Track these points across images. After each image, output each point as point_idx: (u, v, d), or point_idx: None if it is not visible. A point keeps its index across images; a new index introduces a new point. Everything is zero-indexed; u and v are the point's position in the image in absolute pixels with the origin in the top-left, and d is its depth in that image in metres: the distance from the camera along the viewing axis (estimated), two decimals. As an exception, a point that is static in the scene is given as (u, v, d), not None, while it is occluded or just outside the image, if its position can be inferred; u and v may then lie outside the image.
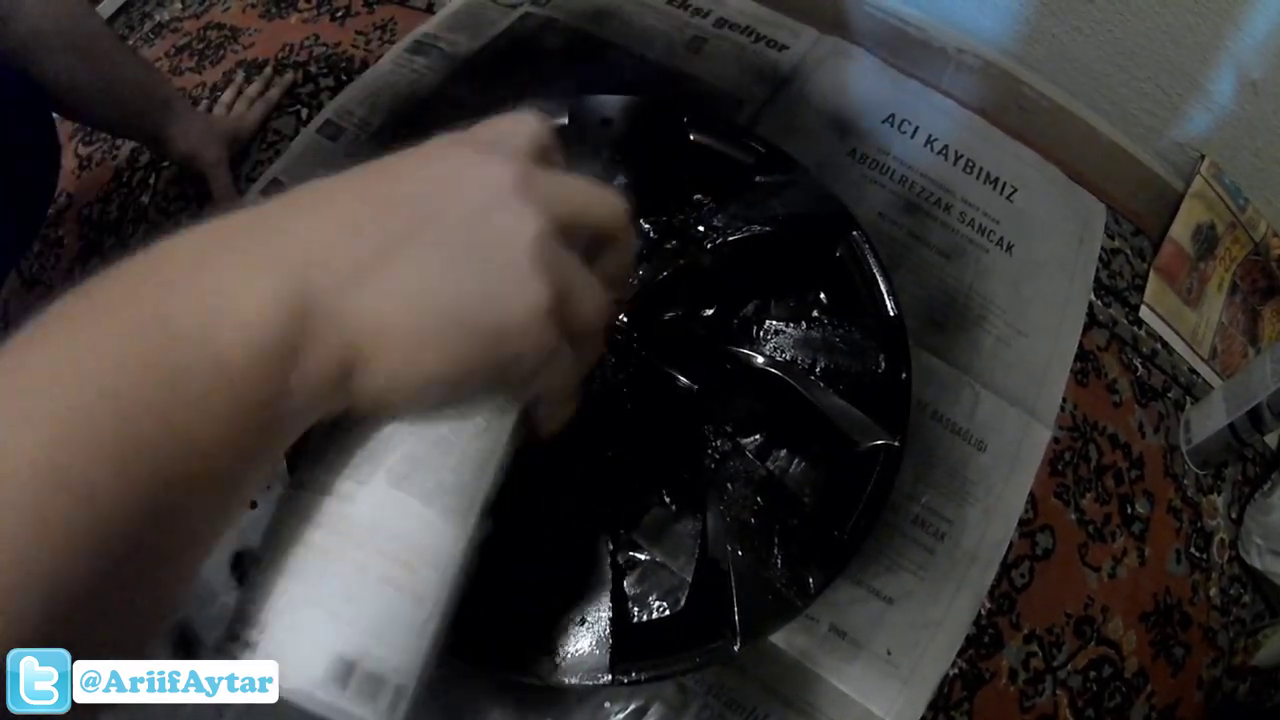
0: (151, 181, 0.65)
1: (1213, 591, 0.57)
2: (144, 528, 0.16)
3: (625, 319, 0.46)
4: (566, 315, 0.22)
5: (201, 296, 0.18)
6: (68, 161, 0.70)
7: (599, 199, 0.25)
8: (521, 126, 0.25)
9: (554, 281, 0.22)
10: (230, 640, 0.21)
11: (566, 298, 0.22)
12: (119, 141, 0.69)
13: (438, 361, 0.20)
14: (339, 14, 0.72)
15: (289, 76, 0.66)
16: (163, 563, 0.17)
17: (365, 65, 0.67)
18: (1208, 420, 0.57)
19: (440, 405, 0.23)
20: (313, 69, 0.68)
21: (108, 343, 0.16)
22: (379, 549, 0.22)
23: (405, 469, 0.22)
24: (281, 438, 0.19)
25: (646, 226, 0.50)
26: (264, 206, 0.20)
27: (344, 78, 0.66)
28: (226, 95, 0.66)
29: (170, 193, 0.64)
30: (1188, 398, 0.61)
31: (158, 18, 0.78)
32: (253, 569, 0.22)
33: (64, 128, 0.69)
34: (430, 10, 0.70)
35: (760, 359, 0.46)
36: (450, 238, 0.21)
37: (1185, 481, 0.58)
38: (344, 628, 0.21)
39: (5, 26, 0.45)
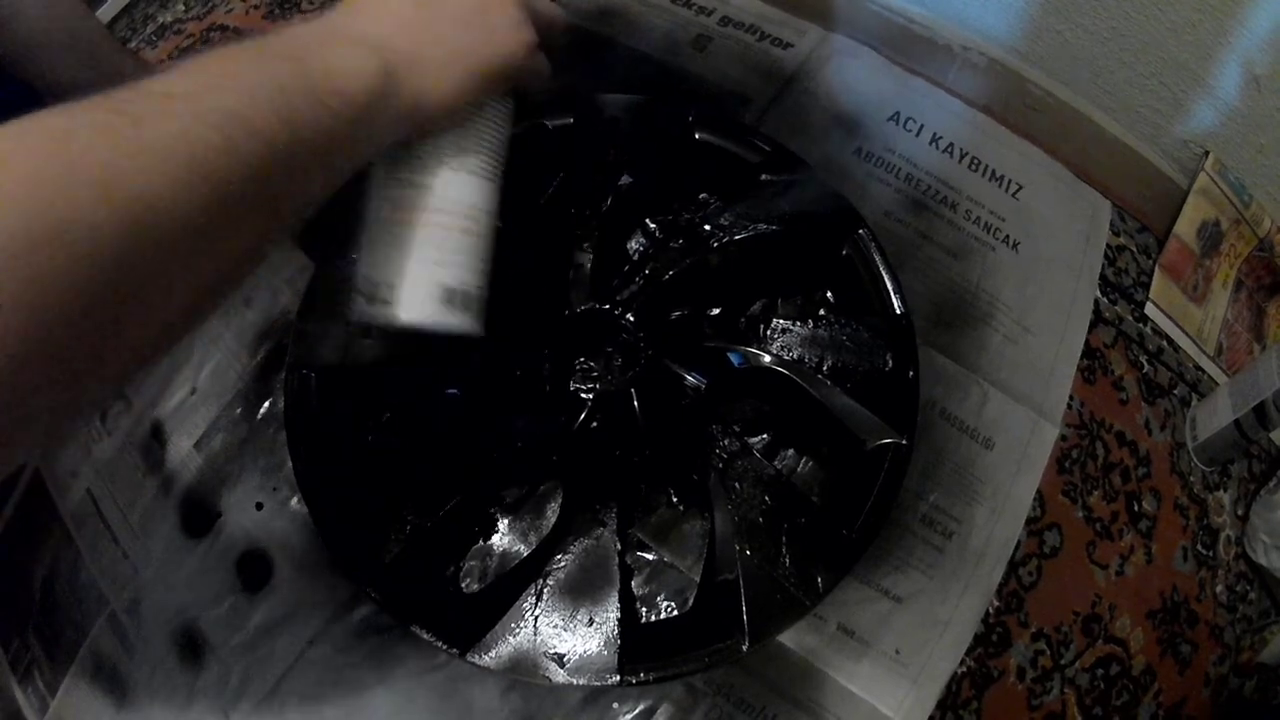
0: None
1: (1219, 589, 0.57)
2: (266, 184, 0.24)
3: (632, 318, 0.46)
4: (536, 29, 0.33)
5: (328, 60, 0.27)
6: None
7: None
8: None
9: (528, 22, 0.33)
10: (372, 302, 0.34)
11: (534, 22, 0.33)
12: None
13: (469, 83, 0.31)
14: (343, 15, 0.72)
15: (294, 78, 0.66)
16: (273, 209, 0.26)
17: (369, 65, 0.67)
18: (1214, 417, 0.57)
19: (470, 105, 0.33)
20: (317, 70, 0.68)
21: (258, 72, 0.25)
22: (452, 211, 0.34)
23: (454, 155, 0.34)
24: (374, 146, 0.30)
25: (653, 226, 0.50)
26: (341, 13, 0.30)
27: (348, 78, 0.66)
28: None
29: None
30: (1194, 395, 0.61)
31: (160, 19, 0.78)
32: (368, 246, 0.35)
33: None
34: (434, 10, 0.70)
35: (767, 358, 0.46)
36: (465, 17, 0.31)
37: (1192, 479, 0.58)
38: (443, 270, 0.34)
39: (4, 29, 0.46)
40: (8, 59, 0.47)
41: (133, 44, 0.77)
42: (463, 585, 0.45)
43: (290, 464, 0.48)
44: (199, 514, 0.51)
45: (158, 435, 0.54)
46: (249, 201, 0.24)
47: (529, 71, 0.35)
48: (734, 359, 0.46)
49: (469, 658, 0.41)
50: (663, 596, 0.45)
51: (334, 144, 0.27)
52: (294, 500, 0.49)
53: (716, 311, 0.49)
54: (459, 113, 0.33)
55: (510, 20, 0.32)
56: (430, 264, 0.34)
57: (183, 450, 0.53)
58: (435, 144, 0.34)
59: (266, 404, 0.53)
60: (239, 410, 0.53)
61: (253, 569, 0.48)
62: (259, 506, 0.50)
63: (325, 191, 0.28)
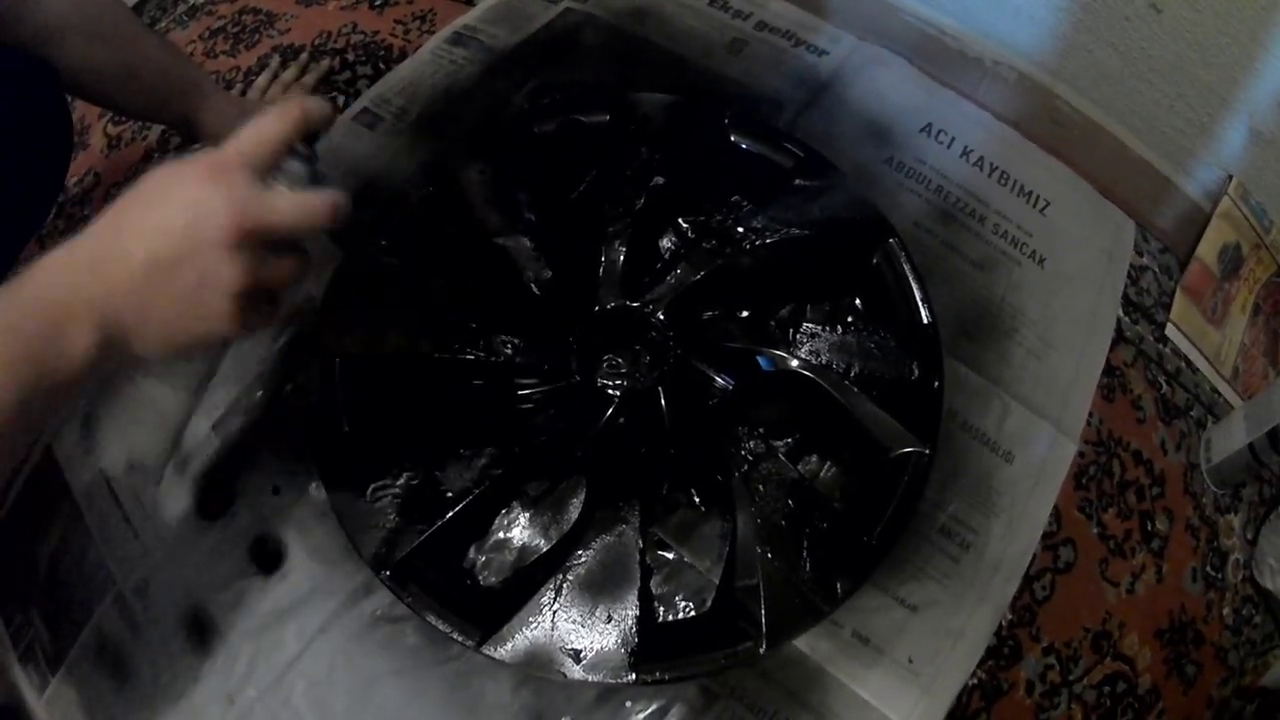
0: (182, 162, 0.65)
1: (1226, 611, 0.57)
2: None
3: (662, 316, 0.47)
4: (256, 294, 0.34)
5: (59, 344, 0.31)
6: (96, 141, 0.70)
7: (301, 213, 0.34)
8: (258, 135, 0.33)
9: (243, 310, 0.33)
10: None
11: (254, 293, 0.33)
12: (149, 123, 0.68)
13: (177, 350, 0.34)
14: (378, 2, 0.72)
15: (325, 63, 0.66)
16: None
17: (404, 55, 0.67)
18: (1228, 440, 0.57)
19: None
20: (350, 57, 0.68)
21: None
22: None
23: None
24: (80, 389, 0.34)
25: (685, 225, 0.50)
26: (75, 261, 0.32)
27: (382, 66, 0.66)
28: (261, 80, 0.65)
29: (201, 174, 0.63)
30: (1209, 417, 0.61)
31: (191, 0, 0.78)
32: None
33: (93, 108, 0.69)
34: (470, 2, 0.70)
35: (795, 362, 0.46)
36: (184, 296, 0.32)
37: (1204, 500, 0.58)
38: None
39: (28, 13, 0.45)
40: (30, 44, 0.46)
41: (162, 24, 0.77)
42: (480, 578, 0.45)
43: (309, 449, 0.48)
44: (214, 496, 0.51)
45: (176, 415, 0.54)
46: None
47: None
48: (762, 362, 0.46)
49: (485, 650, 0.41)
50: (681, 596, 0.45)
51: (59, 395, 0.33)
52: (312, 486, 0.49)
53: (746, 314, 0.49)
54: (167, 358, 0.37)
55: (222, 308, 0.33)
56: None
57: (201, 431, 0.53)
58: None
59: (288, 388, 0.52)
60: (259, 394, 0.53)
61: (266, 553, 0.48)
62: (276, 490, 0.50)
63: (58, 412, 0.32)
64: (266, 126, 0.33)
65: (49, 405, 0.32)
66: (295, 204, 0.33)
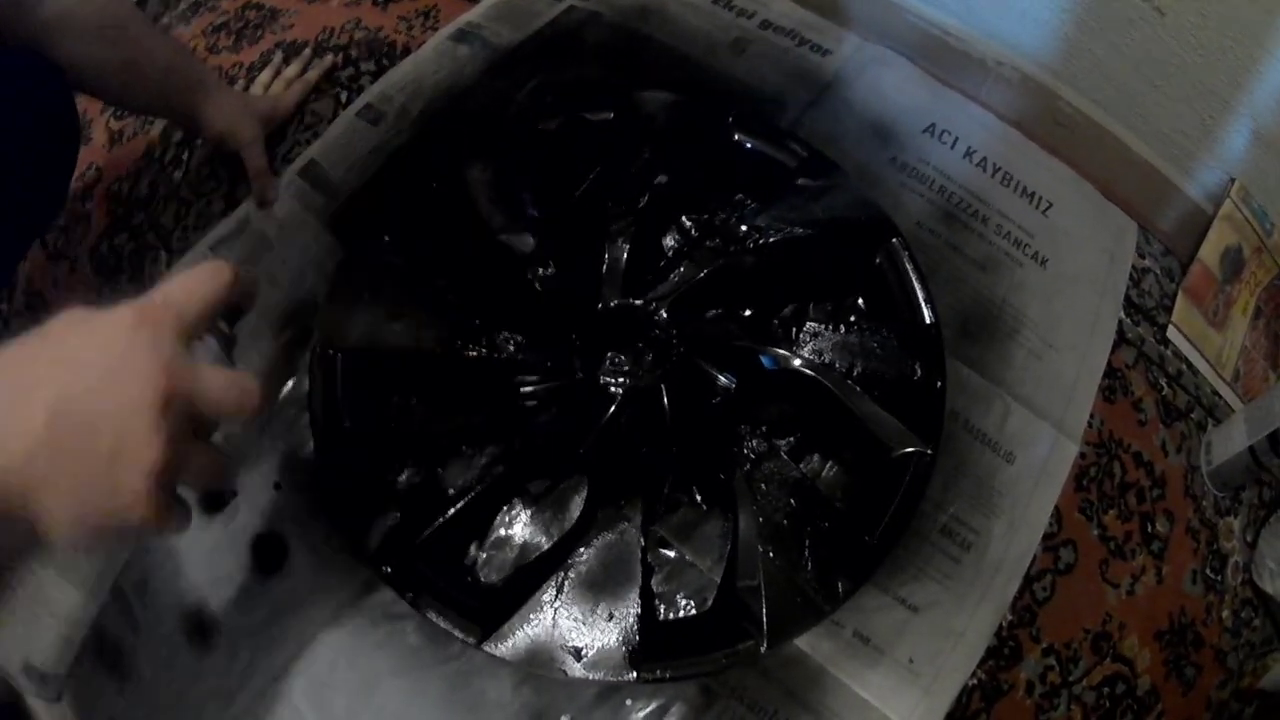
0: (185, 159, 0.65)
1: (1225, 613, 0.57)
2: None
3: (665, 314, 0.47)
4: (175, 481, 0.29)
5: None
6: (98, 136, 0.70)
7: (233, 393, 0.29)
8: (189, 291, 0.29)
9: (159, 496, 0.27)
10: None
11: (173, 479, 0.28)
12: (151, 117, 0.68)
13: (82, 534, 0.28)
14: (381, -1, 0.72)
15: (329, 59, 0.66)
16: None
17: (407, 51, 0.66)
18: (1228, 443, 0.57)
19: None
20: (353, 53, 0.67)
21: None
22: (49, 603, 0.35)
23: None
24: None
25: (689, 224, 0.50)
26: None
27: (385, 63, 0.66)
28: (264, 75, 0.65)
29: (203, 171, 0.63)
30: (1210, 419, 0.61)
31: (193, -5, 0.78)
32: None
33: (94, 102, 0.69)
34: (473, -1, 0.70)
35: (798, 361, 0.46)
36: (92, 467, 0.27)
37: (1204, 503, 0.58)
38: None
39: (32, 10, 0.45)
40: (34, 40, 0.46)
41: (166, 19, 0.76)
42: (481, 576, 0.45)
43: (311, 446, 0.48)
44: (214, 492, 0.51)
45: (177, 411, 0.54)
46: None
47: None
48: (764, 361, 0.46)
49: (485, 648, 0.41)
50: (682, 595, 0.45)
51: None
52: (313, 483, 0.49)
53: (749, 313, 0.49)
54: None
55: (138, 486, 0.27)
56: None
57: (202, 427, 0.53)
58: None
59: (289, 385, 0.52)
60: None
61: (267, 551, 0.48)
62: (277, 487, 0.50)
63: None
64: (200, 285, 0.29)
65: None
66: (228, 381, 0.29)
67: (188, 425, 0.28)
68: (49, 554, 0.36)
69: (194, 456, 0.28)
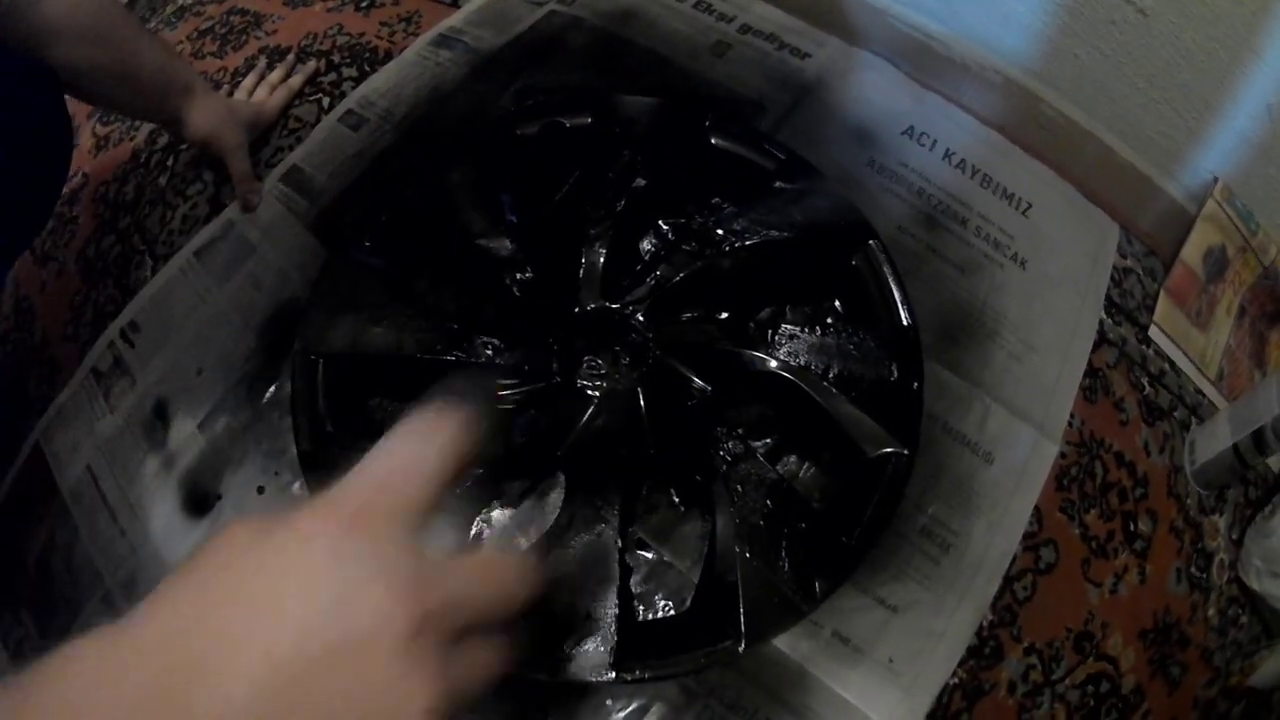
0: (170, 163, 0.65)
1: (1211, 612, 0.57)
2: None
3: (642, 318, 0.47)
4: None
5: None
6: (84, 140, 0.70)
7: (497, 586, 0.22)
8: (408, 466, 0.21)
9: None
10: None
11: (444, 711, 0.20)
12: (137, 122, 0.69)
13: None
14: (364, 4, 0.72)
15: (312, 65, 0.67)
16: None
17: (389, 56, 0.67)
18: (1212, 442, 0.57)
19: None
20: (336, 58, 0.68)
21: None
22: None
23: None
24: None
25: (666, 227, 0.50)
26: (122, 713, 0.18)
27: (367, 68, 0.66)
28: (248, 81, 0.66)
29: (188, 175, 0.64)
30: (1193, 419, 0.61)
31: (180, 1, 0.78)
32: None
33: (81, 107, 0.69)
34: (455, 4, 0.71)
35: (774, 363, 0.46)
36: None
37: (1188, 502, 0.58)
38: None
39: (24, 14, 0.46)
40: (26, 45, 0.46)
41: (152, 24, 0.77)
42: (461, 577, 0.45)
43: (294, 449, 0.48)
44: (199, 495, 0.51)
45: (161, 414, 0.54)
46: None
47: None
48: (741, 363, 0.46)
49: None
50: (660, 596, 0.45)
51: None
52: (296, 485, 0.49)
53: (725, 315, 0.49)
54: None
55: None
56: None
57: (186, 430, 0.53)
58: None
59: (272, 388, 0.53)
60: (244, 393, 0.53)
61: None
62: (260, 490, 0.50)
63: None
64: (420, 456, 0.21)
65: None
66: (494, 568, 0.22)
67: (453, 638, 0.20)
68: None
69: (468, 666, 0.21)
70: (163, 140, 0.66)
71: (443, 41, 0.66)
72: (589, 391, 0.46)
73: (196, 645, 0.18)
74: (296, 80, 0.65)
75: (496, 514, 0.46)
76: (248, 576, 0.19)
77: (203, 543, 0.20)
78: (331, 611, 0.19)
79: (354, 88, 0.65)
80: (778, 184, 0.51)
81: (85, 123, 0.71)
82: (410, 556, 0.20)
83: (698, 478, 0.45)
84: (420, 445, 0.22)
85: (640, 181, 0.50)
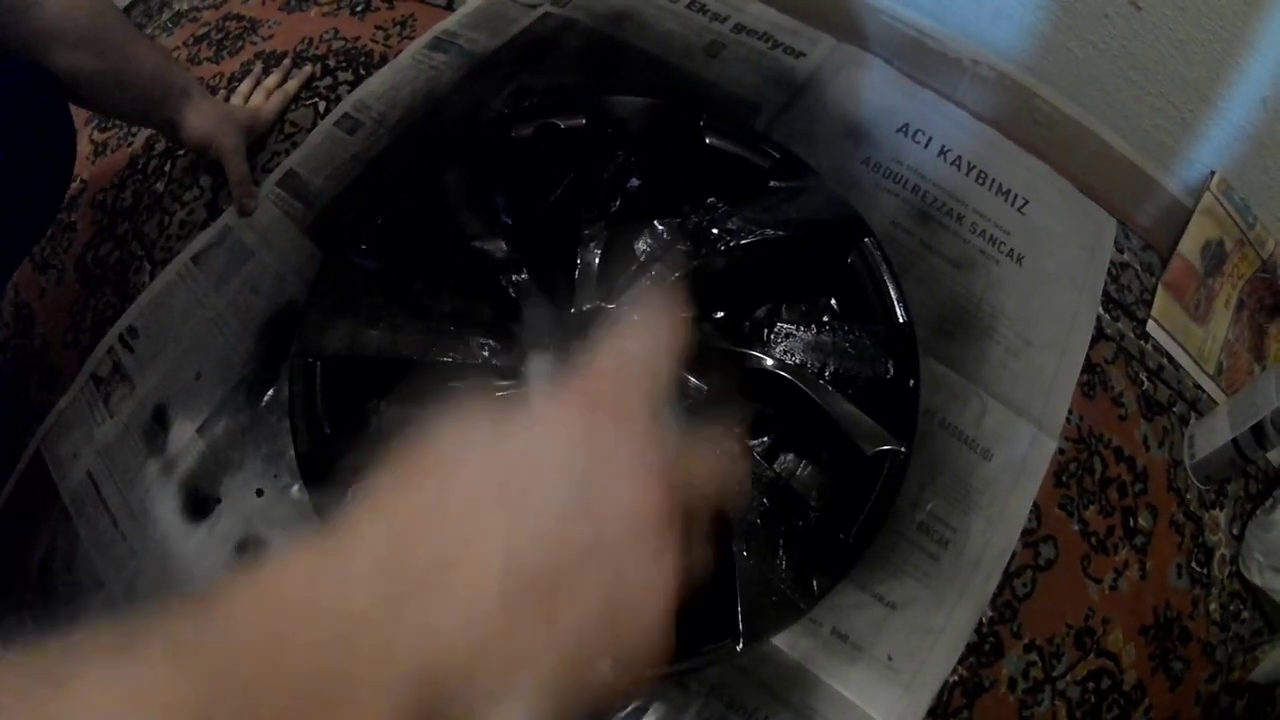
0: (167, 169, 0.65)
1: (1212, 607, 0.57)
2: None
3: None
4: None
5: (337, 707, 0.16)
6: (82, 147, 0.71)
7: (733, 478, 0.22)
8: (645, 345, 0.21)
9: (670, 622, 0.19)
10: None
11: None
12: (134, 128, 0.69)
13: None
14: (359, 8, 0.72)
15: (307, 69, 0.67)
16: None
17: (384, 60, 0.67)
18: (1212, 436, 0.57)
19: None
20: (331, 63, 0.68)
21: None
22: None
23: None
24: None
25: (661, 228, 0.50)
26: (364, 595, 0.17)
27: (362, 72, 0.67)
28: (244, 86, 0.66)
29: (185, 181, 0.64)
30: (1193, 413, 0.61)
31: (176, 6, 0.79)
32: None
33: (79, 113, 0.70)
34: (450, 8, 0.71)
35: (770, 361, 0.46)
36: (571, 634, 0.18)
37: (1188, 496, 0.58)
38: None
39: (22, 19, 0.46)
40: (26, 49, 0.47)
41: (148, 30, 0.77)
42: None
43: (292, 451, 0.48)
44: (199, 499, 0.51)
45: (160, 419, 0.54)
46: None
47: None
48: (738, 362, 0.46)
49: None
50: (659, 595, 0.45)
51: None
52: (295, 488, 0.49)
53: (721, 314, 0.49)
54: None
55: (651, 627, 0.19)
56: None
57: (185, 435, 0.53)
58: None
59: (270, 391, 0.53)
60: (243, 396, 0.53)
61: (251, 555, 0.48)
62: (259, 493, 0.50)
63: None
64: (653, 348, 0.21)
65: None
66: (731, 461, 0.21)
67: (686, 529, 0.19)
68: None
69: (696, 560, 0.20)
70: (160, 146, 0.67)
71: (437, 45, 0.66)
72: (585, 392, 0.46)
73: (435, 540, 0.18)
74: (292, 85, 0.65)
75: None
76: (489, 464, 0.19)
77: (415, 438, 0.19)
78: (592, 494, 0.18)
79: (349, 92, 0.65)
80: (773, 182, 0.51)
81: (83, 129, 0.71)
82: (657, 444, 0.20)
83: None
84: (650, 339, 0.22)
85: (635, 182, 0.50)
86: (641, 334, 0.22)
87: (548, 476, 0.19)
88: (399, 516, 0.19)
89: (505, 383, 0.46)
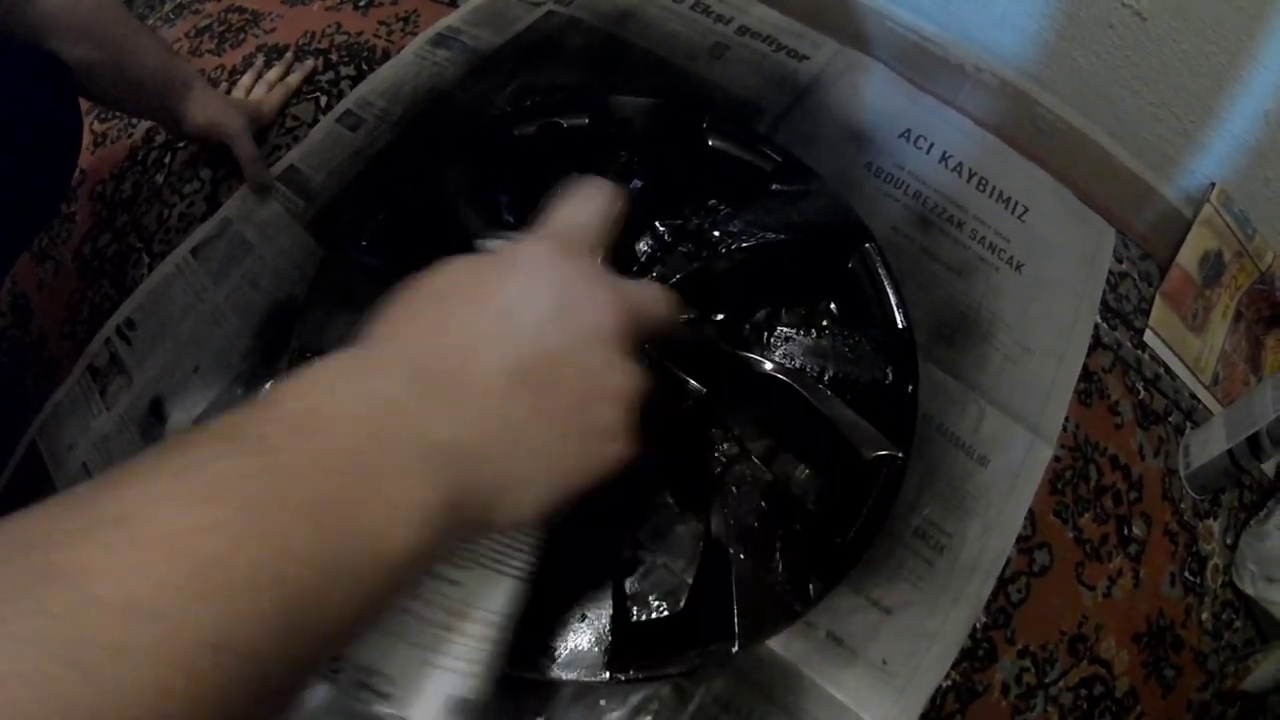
0: (167, 161, 0.65)
1: (1205, 615, 0.57)
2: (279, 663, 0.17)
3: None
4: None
5: (375, 505, 0.19)
6: (83, 138, 0.70)
7: (664, 306, 0.28)
8: (591, 213, 0.27)
9: (632, 421, 0.25)
10: (361, 688, 0.26)
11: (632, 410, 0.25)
12: (135, 119, 0.69)
13: (547, 507, 0.24)
14: (362, 3, 0.72)
15: (309, 63, 0.67)
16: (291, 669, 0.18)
17: (387, 56, 0.67)
18: (1207, 446, 0.57)
19: None
20: (334, 57, 0.68)
21: (286, 534, 0.17)
22: (481, 616, 0.28)
23: (497, 554, 0.28)
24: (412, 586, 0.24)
25: (662, 229, 0.50)
26: (397, 385, 0.21)
27: (365, 67, 0.66)
28: (246, 79, 0.66)
29: (185, 173, 0.64)
30: (1188, 423, 0.61)
31: (179, -2, 0.78)
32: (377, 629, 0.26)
33: (80, 104, 0.69)
34: (453, 4, 0.71)
35: (770, 365, 0.46)
36: (568, 414, 0.23)
37: (1183, 505, 0.58)
38: (455, 677, 0.27)
39: (23, 10, 0.46)
40: (28, 40, 0.46)
41: (150, 21, 0.77)
42: (456, 576, 0.45)
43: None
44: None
45: (157, 412, 0.54)
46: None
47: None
48: (737, 365, 0.46)
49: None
50: (655, 596, 0.45)
51: (356, 609, 0.19)
52: (291, 484, 0.49)
53: (721, 317, 0.49)
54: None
55: (615, 424, 0.24)
56: (447, 671, 0.28)
57: (182, 428, 0.53)
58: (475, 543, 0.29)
59: (268, 386, 0.53)
60: (240, 391, 0.53)
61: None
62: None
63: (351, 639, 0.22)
64: (595, 213, 0.27)
65: (336, 627, 0.18)
66: (656, 292, 0.28)
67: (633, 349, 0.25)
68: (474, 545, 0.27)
69: (645, 377, 0.26)
70: (160, 138, 0.66)
71: (441, 41, 0.66)
72: (584, 392, 0.46)
73: (447, 345, 0.22)
74: (294, 79, 0.65)
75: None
76: (481, 291, 0.24)
77: (418, 279, 0.24)
78: (563, 310, 0.24)
79: (352, 87, 0.65)
80: (775, 186, 0.51)
81: (83, 120, 0.71)
82: (606, 279, 0.26)
83: (692, 479, 0.45)
84: (593, 205, 0.28)
85: (637, 182, 0.50)
86: (582, 203, 0.28)
87: (530, 298, 0.24)
88: (421, 327, 0.23)
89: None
